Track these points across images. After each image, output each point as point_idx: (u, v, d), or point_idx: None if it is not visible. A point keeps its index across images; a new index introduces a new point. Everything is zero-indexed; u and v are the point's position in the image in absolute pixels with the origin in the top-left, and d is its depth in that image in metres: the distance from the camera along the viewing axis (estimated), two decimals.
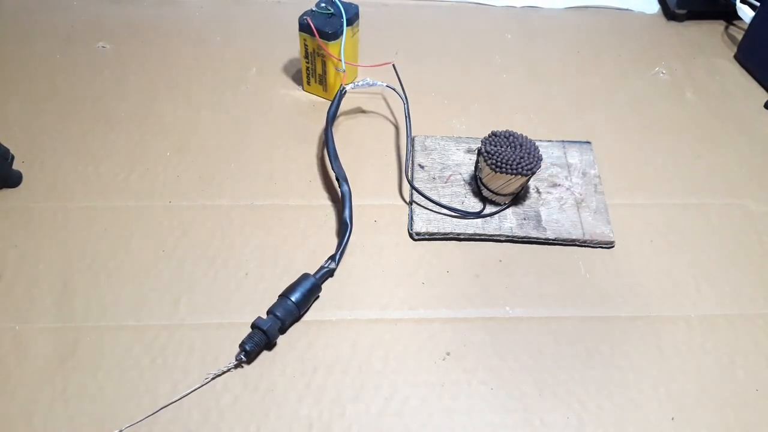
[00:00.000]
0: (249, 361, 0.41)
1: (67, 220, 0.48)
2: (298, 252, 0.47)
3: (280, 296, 0.43)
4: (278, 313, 0.41)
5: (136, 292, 0.44)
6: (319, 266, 0.45)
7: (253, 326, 0.41)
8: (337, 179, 0.49)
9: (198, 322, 0.43)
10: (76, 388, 0.39)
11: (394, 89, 0.55)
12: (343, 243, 0.46)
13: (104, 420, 0.38)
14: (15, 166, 0.51)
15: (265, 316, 0.42)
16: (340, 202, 0.49)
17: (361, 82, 0.55)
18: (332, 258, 0.46)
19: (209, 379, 0.40)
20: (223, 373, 0.40)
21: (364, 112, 0.59)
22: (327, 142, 0.51)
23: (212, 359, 0.41)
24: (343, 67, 0.55)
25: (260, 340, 0.40)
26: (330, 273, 0.45)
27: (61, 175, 0.51)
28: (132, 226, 0.48)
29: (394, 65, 0.57)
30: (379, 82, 0.55)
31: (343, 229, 0.47)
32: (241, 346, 0.40)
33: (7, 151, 0.50)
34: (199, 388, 0.39)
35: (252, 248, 0.47)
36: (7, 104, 0.57)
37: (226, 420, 0.38)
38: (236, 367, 0.40)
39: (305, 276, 0.44)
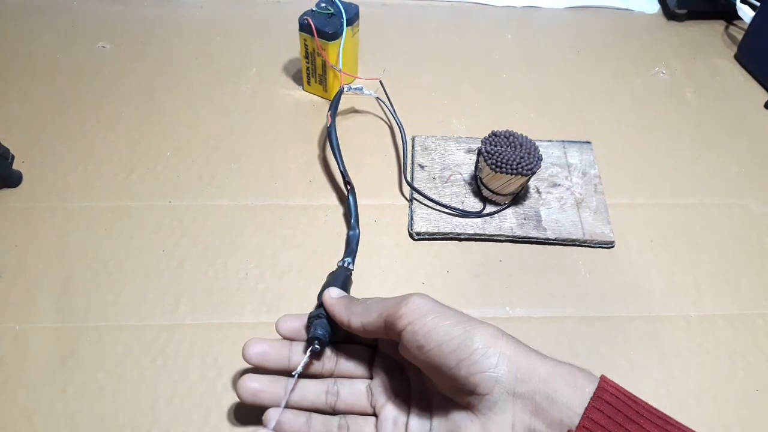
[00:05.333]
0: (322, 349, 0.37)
1: (67, 220, 0.48)
2: (298, 252, 0.47)
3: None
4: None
5: (136, 292, 0.44)
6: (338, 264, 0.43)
7: (312, 317, 0.37)
8: (346, 183, 0.49)
9: (198, 322, 0.43)
10: (76, 388, 0.39)
11: (383, 102, 0.57)
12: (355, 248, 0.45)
13: (104, 420, 0.38)
14: (15, 166, 0.51)
15: (306, 313, 0.38)
16: (345, 202, 0.49)
17: (354, 87, 0.56)
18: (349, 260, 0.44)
19: (295, 378, 0.36)
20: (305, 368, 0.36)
21: (363, 112, 0.59)
22: (331, 141, 0.51)
23: (212, 359, 0.41)
24: (340, 67, 0.55)
25: (326, 329, 0.37)
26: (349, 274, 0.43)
27: (61, 175, 0.51)
28: (132, 226, 0.48)
29: (381, 81, 0.58)
30: (371, 92, 0.56)
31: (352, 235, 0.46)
32: (311, 338, 0.36)
33: (7, 151, 0.50)
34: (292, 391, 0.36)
35: (252, 248, 0.47)
36: (7, 104, 0.57)
37: (227, 420, 0.38)
38: (311, 358, 0.36)
39: (342, 269, 0.42)
